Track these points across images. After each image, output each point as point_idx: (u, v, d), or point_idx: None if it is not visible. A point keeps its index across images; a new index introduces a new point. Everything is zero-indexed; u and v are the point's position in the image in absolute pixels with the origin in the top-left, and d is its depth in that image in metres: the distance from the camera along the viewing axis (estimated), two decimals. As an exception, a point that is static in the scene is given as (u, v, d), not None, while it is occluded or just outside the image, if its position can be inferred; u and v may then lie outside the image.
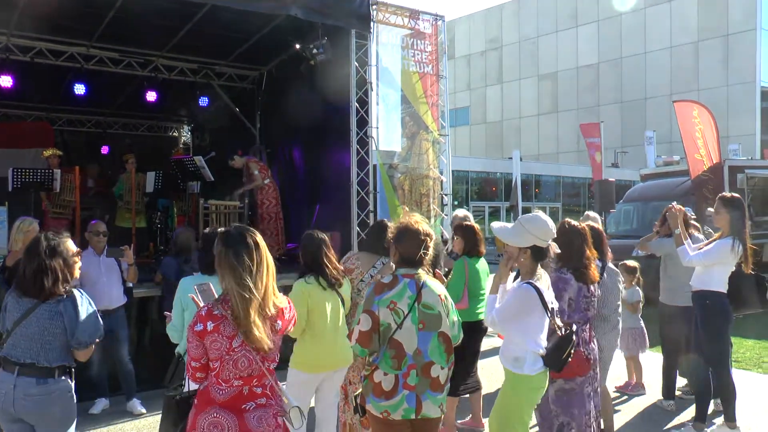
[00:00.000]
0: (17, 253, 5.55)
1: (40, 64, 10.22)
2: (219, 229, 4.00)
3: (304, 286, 4.42)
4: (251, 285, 2.74)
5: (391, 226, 3.73)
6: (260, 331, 2.74)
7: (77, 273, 3.81)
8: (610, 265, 5.19)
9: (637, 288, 7.11)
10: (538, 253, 3.84)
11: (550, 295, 3.90)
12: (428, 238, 3.53)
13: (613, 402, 6.10)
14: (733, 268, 5.42)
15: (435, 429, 3.62)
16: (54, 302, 3.57)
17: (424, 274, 3.55)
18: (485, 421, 5.86)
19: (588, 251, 4.41)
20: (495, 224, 4.03)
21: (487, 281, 5.37)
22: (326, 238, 4.58)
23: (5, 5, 8.32)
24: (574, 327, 3.94)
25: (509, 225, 3.99)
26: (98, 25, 9.36)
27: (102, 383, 6.61)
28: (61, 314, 3.56)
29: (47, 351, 3.54)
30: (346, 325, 4.61)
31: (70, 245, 3.75)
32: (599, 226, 5.51)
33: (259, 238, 2.91)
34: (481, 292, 5.64)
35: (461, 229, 5.85)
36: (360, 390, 3.55)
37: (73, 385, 3.70)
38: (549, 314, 3.80)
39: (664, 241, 6.01)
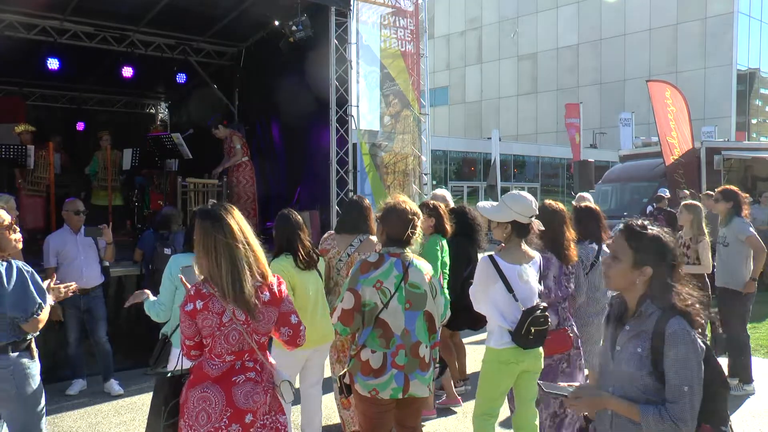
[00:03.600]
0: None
1: (11, 37, 9.96)
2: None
3: (284, 263, 4.38)
4: (234, 255, 2.79)
5: (380, 204, 3.69)
6: (247, 300, 2.78)
7: (13, 245, 3.63)
8: (606, 249, 5.15)
9: None
10: (520, 229, 3.90)
11: (528, 273, 3.91)
12: (416, 218, 3.53)
13: None
14: None
15: (420, 408, 3.65)
16: None
17: (410, 254, 3.54)
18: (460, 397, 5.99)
19: (567, 232, 4.44)
20: (480, 203, 4.12)
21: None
22: (300, 220, 4.51)
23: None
24: (542, 304, 3.95)
25: (495, 203, 4.04)
26: (72, -2, 9.15)
27: (79, 363, 6.53)
28: None
29: (4, 328, 3.42)
30: (327, 303, 4.60)
31: (3, 214, 3.59)
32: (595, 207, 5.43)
33: (236, 211, 2.93)
34: (444, 271, 5.57)
35: (427, 207, 5.71)
36: (345, 370, 3.54)
37: (35, 362, 3.58)
38: (510, 289, 3.80)
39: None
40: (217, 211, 2.88)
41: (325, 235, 5.21)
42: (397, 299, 3.41)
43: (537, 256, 4.04)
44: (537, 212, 3.96)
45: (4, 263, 3.45)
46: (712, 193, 7.58)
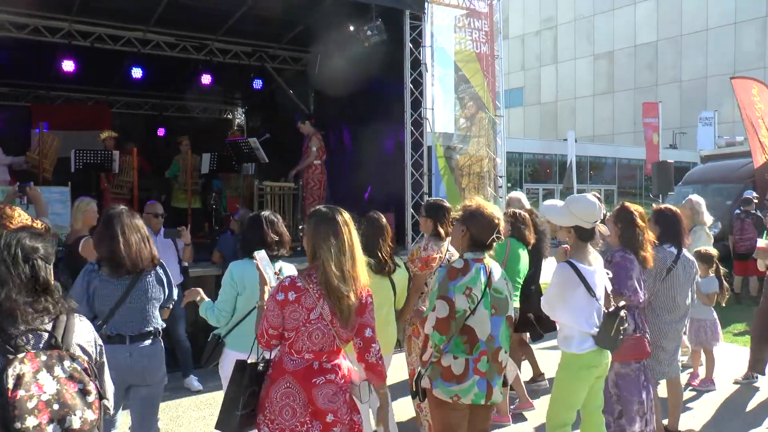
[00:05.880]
0: (77, 231, 5.70)
1: (100, 49, 10.46)
2: (263, 213, 4.15)
3: None
4: (354, 254, 2.92)
5: (460, 208, 3.66)
6: (349, 302, 2.87)
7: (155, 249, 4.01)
8: (687, 253, 4.94)
9: (715, 278, 6.47)
10: (583, 234, 3.83)
11: (599, 276, 3.84)
12: (500, 223, 3.49)
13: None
14: None
15: (490, 413, 3.62)
16: (153, 271, 3.86)
17: (489, 259, 3.50)
18: (534, 401, 5.91)
19: (645, 234, 4.32)
20: (546, 202, 4.06)
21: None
22: (386, 224, 4.56)
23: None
24: (621, 303, 3.84)
25: (560, 203, 3.96)
26: (155, 10, 9.52)
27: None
28: (162, 280, 3.92)
29: (156, 317, 3.89)
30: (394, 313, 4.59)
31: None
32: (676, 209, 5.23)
33: (348, 217, 3.01)
34: (518, 278, 5.50)
35: (507, 215, 5.73)
36: (422, 373, 3.50)
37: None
38: (592, 293, 3.74)
39: None
40: (331, 214, 2.98)
41: (425, 241, 5.02)
42: (483, 305, 3.36)
43: (600, 259, 3.96)
44: (601, 217, 3.87)
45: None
46: None
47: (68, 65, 10.57)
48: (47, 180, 10.17)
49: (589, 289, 3.74)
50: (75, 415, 2.23)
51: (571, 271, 3.76)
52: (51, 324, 2.39)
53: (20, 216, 5.28)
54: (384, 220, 4.61)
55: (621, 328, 3.74)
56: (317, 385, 2.86)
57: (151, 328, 3.81)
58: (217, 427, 3.06)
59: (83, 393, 2.29)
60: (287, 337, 2.90)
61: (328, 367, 2.91)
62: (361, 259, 2.97)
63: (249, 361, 3.14)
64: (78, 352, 2.41)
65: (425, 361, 3.46)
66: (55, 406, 2.19)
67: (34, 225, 5.33)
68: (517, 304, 5.57)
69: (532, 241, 5.63)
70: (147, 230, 3.93)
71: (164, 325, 3.94)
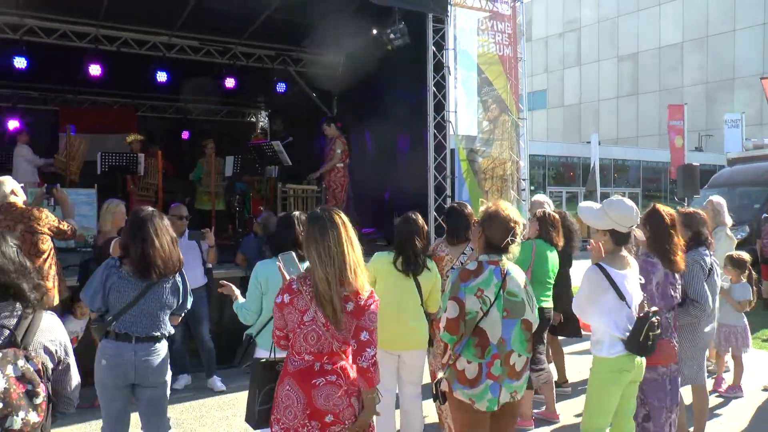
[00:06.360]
0: (106, 233, 5.77)
1: (126, 53, 10.61)
2: (294, 213, 4.18)
3: (382, 260, 4.50)
4: (337, 259, 2.87)
5: (481, 210, 3.66)
6: (339, 305, 2.85)
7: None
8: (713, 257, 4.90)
9: (747, 284, 6.34)
10: (619, 238, 3.81)
11: (632, 281, 3.80)
12: (517, 226, 3.47)
13: (709, 405, 5.74)
14: None
15: (515, 417, 3.59)
16: (170, 278, 3.88)
17: (507, 261, 3.49)
18: (559, 410, 5.81)
19: (676, 238, 4.25)
20: (584, 203, 4.02)
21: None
22: (421, 226, 4.56)
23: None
24: (653, 308, 3.81)
25: (597, 206, 3.93)
26: (179, 15, 9.63)
27: (184, 360, 6.83)
28: (178, 288, 3.94)
29: (166, 323, 3.93)
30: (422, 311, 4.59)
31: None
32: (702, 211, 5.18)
33: (344, 217, 3.00)
34: (548, 279, 5.51)
35: (535, 215, 5.78)
36: (441, 376, 3.53)
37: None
38: (622, 297, 3.71)
39: None
40: (327, 215, 2.97)
41: (437, 242, 5.19)
42: (496, 307, 3.36)
43: (635, 263, 3.92)
44: (638, 222, 3.84)
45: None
46: None
47: (95, 69, 10.73)
48: (74, 182, 10.33)
49: (619, 293, 3.71)
50: (17, 416, 2.24)
51: (600, 274, 3.74)
52: (15, 321, 2.43)
53: (47, 217, 5.38)
54: (421, 220, 4.61)
55: (651, 333, 3.70)
56: (317, 386, 2.88)
57: (158, 333, 3.85)
58: (246, 420, 3.29)
59: (31, 394, 2.30)
60: (290, 338, 2.97)
61: (330, 368, 2.91)
62: (355, 262, 2.93)
63: (264, 360, 3.25)
64: (39, 352, 2.44)
65: (444, 364, 3.50)
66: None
67: (61, 226, 5.43)
68: (549, 304, 5.56)
69: (561, 243, 5.62)
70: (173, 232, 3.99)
71: (172, 331, 4.01)
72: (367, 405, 2.96)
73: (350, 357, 2.98)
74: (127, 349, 3.74)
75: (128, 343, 3.75)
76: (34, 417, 2.29)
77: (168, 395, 4.04)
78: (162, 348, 3.89)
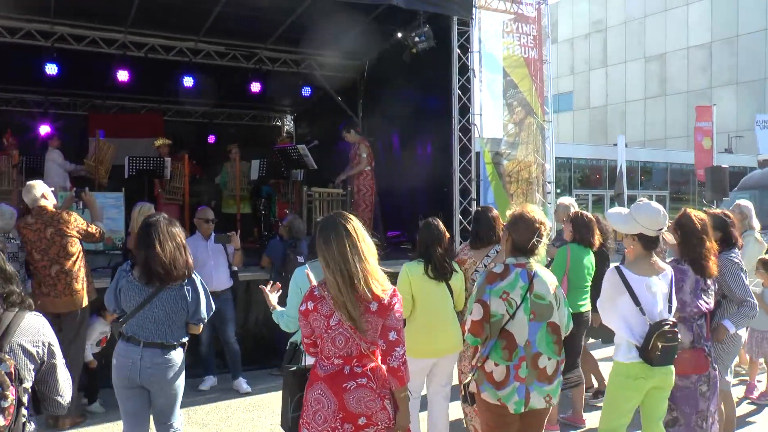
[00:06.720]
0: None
1: (153, 59, 10.76)
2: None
3: (407, 270, 4.52)
4: (343, 267, 2.87)
5: (508, 213, 3.67)
6: (353, 310, 2.86)
7: (190, 258, 4.01)
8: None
9: None
10: (647, 242, 3.78)
11: (656, 287, 3.74)
12: (542, 227, 3.47)
13: (741, 412, 5.65)
14: None
15: (542, 421, 3.56)
16: (177, 286, 3.87)
17: (535, 264, 3.48)
18: (586, 416, 5.74)
19: (708, 243, 4.17)
20: (612, 209, 4.03)
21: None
22: (443, 230, 4.61)
23: (123, 4, 8.81)
24: (669, 318, 3.74)
25: (625, 211, 3.91)
26: (205, 21, 9.73)
27: (210, 361, 6.91)
28: (185, 297, 3.89)
29: (174, 331, 3.88)
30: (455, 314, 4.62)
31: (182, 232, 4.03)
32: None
33: (355, 222, 3.00)
34: (585, 284, 5.47)
35: (570, 217, 5.73)
36: (470, 378, 3.53)
37: (184, 357, 4.00)
38: (637, 302, 3.68)
39: None
40: (335, 222, 2.98)
41: (462, 246, 5.24)
42: (522, 310, 3.36)
43: (668, 269, 3.86)
44: (666, 226, 3.81)
45: (195, 275, 4.00)
46: None
47: (123, 75, 10.88)
48: (102, 186, 10.50)
49: (634, 298, 3.68)
50: None
51: (617, 277, 3.74)
52: None
53: (76, 221, 5.47)
54: (441, 226, 4.65)
55: (660, 343, 3.61)
56: (348, 390, 2.89)
57: (163, 341, 3.84)
58: (281, 425, 3.34)
59: None
60: (318, 344, 2.99)
61: (359, 371, 2.92)
62: (364, 270, 2.90)
63: (294, 368, 3.28)
64: (16, 353, 2.40)
65: (473, 365, 3.51)
66: None
67: (89, 229, 5.52)
68: (588, 307, 5.51)
69: (597, 243, 5.56)
70: (183, 238, 3.98)
71: (184, 341, 3.98)
72: (401, 405, 2.99)
73: (379, 357, 2.99)
74: (135, 352, 3.79)
75: (136, 346, 3.79)
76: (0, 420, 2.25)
77: (178, 405, 4.02)
78: (173, 357, 3.88)
